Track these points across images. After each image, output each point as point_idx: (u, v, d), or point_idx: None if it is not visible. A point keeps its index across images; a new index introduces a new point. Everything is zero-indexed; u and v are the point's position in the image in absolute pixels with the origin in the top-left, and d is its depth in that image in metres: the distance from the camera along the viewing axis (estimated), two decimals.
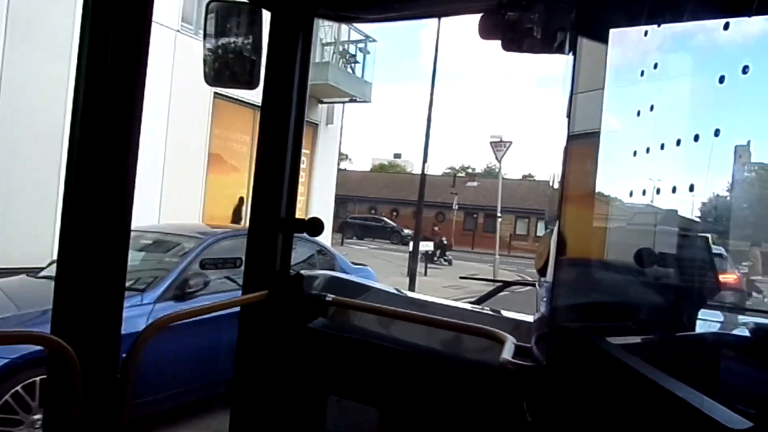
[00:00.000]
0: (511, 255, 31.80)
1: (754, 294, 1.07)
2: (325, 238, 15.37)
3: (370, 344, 1.91)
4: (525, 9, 1.60)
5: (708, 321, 1.17)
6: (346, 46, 16.31)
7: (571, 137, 1.24)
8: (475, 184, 42.37)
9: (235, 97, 12.54)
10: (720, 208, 0.94)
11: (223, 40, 1.83)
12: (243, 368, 1.99)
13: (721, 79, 0.80)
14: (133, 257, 4.63)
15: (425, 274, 18.01)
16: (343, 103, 16.74)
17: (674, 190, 0.93)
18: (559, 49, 1.56)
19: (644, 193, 1.03)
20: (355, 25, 12.82)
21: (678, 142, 0.89)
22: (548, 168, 1.42)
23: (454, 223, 36.50)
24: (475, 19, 1.72)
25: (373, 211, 42.10)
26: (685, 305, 1.16)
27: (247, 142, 13.82)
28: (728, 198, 0.93)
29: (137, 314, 4.01)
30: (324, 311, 1.99)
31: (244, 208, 13.19)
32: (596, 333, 1.23)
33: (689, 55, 1.00)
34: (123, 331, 1.33)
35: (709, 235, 1.11)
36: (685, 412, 0.85)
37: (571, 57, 1.29)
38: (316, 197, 16.50)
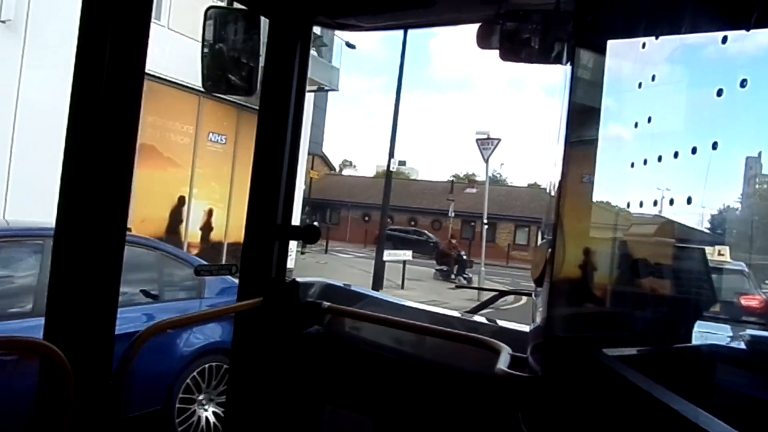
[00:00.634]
0: (510, 266, 30.50)
1: None
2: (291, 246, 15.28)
3: (366, 352, 1.90)
4: (523, 19, 1.61)
5: (704, 333, 1.16)
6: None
7: (568, 147, 1.24)
8: (474, 190, 40.74)
9: (174, 80, 10.89)
10: (731, 220, 0.94)
11: (222, 47, 1.83)
12: (238, 376, 1.98)
13: (719, 93, 0.80)
14: None
15: (402, 286, 16.26)
16: (312, 92, 14.21)
17: (672, 202, 0.93)
18: (557, 60, 1.57)
19: (641, 204, 1.03)
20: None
21: (675, 155, 0.88)
22: (547, 176, 1.42)
23: (450, 231, 34.90)
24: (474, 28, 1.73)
25: (412, 223, 39.96)
26: (681, 317, 1.15)
27: (190, 134, 12.23)
28: (738, 209, 0.93)
29: None
30: (320, 319, 1.98)
31: (185, 209, 12.18)
32: (592, 344, 1.22)
33: (687, 68, 1.00)
34: None
35: (706, 248, 1.11)
36: (680, 425, 0.85)
37: (568, 67, 1.29)
38: None
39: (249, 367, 1.95)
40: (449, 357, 1.78)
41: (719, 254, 1.08)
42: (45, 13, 8.79)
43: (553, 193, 1.28)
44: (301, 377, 1.98)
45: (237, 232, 13.14)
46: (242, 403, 1.96)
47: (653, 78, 1.00)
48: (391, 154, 15.60)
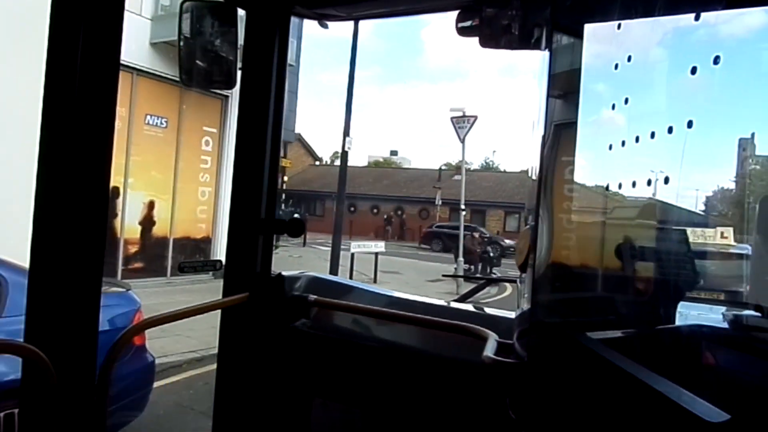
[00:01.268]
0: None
1: None
2: None
3: (353, 344, 1.90)
4: (502, 5, 1.60)
5: (686, 313, 1.17)
6: None
7: (548, 131, 1.23)
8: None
9: None
10: (724, 201, 0.93)
11: (199, 41, 1.80)
12: (225, 372, 1.97)
13: (693, 70, 0.80)
14: None
15: (375, 280, 14.57)
16: None
17: (649, 182, 0.93)
18: (536, 45, 1.56)
19: (620, 186, 1.03)
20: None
21: (653, 135, 0.88)
22: (527, 160, 1.42)
23: (438, 219, 33.94)
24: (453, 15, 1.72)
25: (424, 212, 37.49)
26: (664, 298, 1.16)
27: (122, 116, 10.68)
28: (730, 190, 0.92)
29: None
30: (306, 312, 1.97)
31: (118, 202, 10.91)
32: (577, 328, 1.23)
33: (662, 46, 1.00)
34: None
35: (687, 229, 1.11)
36: (664, 406, 0.85)
37: (547, 52, 1.29)
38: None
39: (236, 363, 1.94)
40: (437, 346, 1.78)
41: (722, 236, 1.07)
42: None
43: (534, 177, 1.28)
44: (288, 371, 1.97)
45: (185, 226, 12.41)
46: (230, 399, 1.95)
47: (629, 59, 1.00)
48: (346, 133, 14.34)
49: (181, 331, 6.96)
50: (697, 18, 0.81)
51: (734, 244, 0.98)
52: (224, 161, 12.68)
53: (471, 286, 2.85)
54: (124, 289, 4.41)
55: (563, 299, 1.32)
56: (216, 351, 1.98)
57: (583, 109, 1.19)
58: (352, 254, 13.52)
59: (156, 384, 4.77)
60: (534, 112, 1.35)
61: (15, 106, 7.57)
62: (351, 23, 2.11)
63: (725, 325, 1.17)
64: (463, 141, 17.32)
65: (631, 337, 1.19)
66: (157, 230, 12.21)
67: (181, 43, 1.80)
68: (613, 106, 1.05)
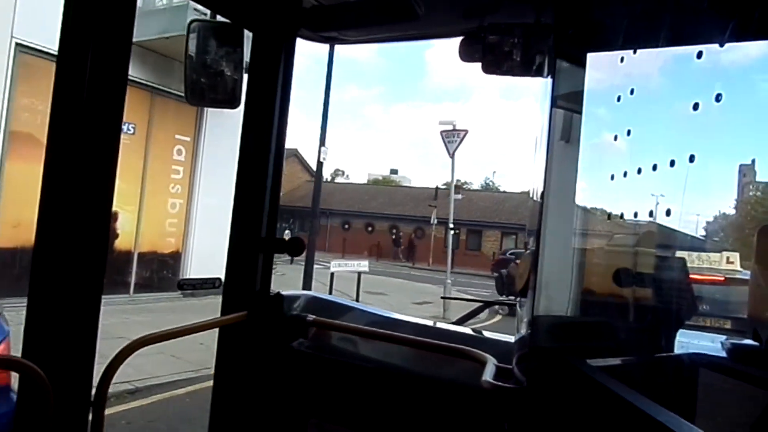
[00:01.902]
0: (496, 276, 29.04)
1: None
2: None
3: (351, 365, 1.89)
4: (505, 33, 1.63)
5: (686, 342, 1.17)
6: None
7: (550, 158, 1.25)
8: (459, 196, 39.25)
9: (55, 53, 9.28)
10: (726, 227, 0.94)
11: (205, 60, 1.83)
12: (222, 391, 1.95)
13: (695, 107, 0.81)
14: None
15: (357, 300, 12.61)
16: None
17: (651, 214, 0.94)
18: (538, 72, 1.59)
19: (622, 216, 1.04)
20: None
21: (654, 167, 0.90)
22: (528, 181, 1.44)
23: (433, 239, 33.12)
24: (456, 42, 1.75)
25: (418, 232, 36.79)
26: (664, 326, 1.16)
27: None
28: (731, 216, 0.93)
29: None
30: (305, 332, 1.96)
31: (117, 225, 10.44)
32: (576, 354, 1.23)
33: (664, 82, 1.02)
34: None
35: (686, 256, 1.12)
36: None
37: (549, 80, 1.31)
38: (206, 207, 11.81)
39: (233, 382, 1.93)
40: (435, 369, 1.78)
41: (728, 261, 1.06)
42: None
43: (536, 198, 1.29)
44: (285, 391, 1.96)
45: (152, 240, 11.71)
46: (226, 418, 1.94)
47: (632, 92, 1.02)
48: (322, 142, 13.75)
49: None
50: (699, 57, 0.83)
51: (740, 269, 0.98)
52: (198, 172, 11.95)
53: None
54: None
55: (563, 324, 1.32)
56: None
57: (585, 137, 1.21)
58: (332, 273, 12.73)
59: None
60: (535, 136, 1.37)
61: None
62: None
63: (724, 354, 1.17)
64: (452, 156, 16.73)
65: (631, 364, 1.19)
66: (120, 244, 11.28)
67: (188, 63, 1.82)
68: (616, 137, 1.07)
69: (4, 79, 8.72)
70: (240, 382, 1.92)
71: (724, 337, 1.27)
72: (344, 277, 13.58)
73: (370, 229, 39.09)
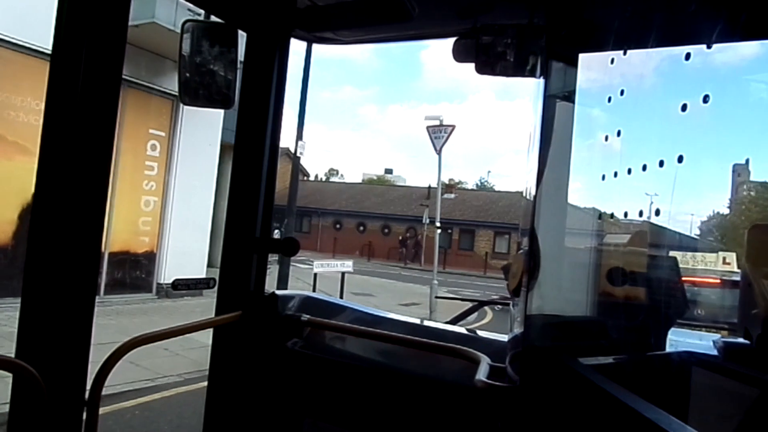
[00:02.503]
0: (488, 276, 27.97)
1: None
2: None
3: (346, 365, 1.90)
4: (498, 33, 1.64)
5: (677, 340, 1.19)
6: None
7: (543, 158, 1.26)
8: (452, 196, 37.66)
9: (21, 42, 8.43)
10: (720, 227, 0.95)
11: (199, 60, 1.83)
12: (216, 391, 1.95)
13: (684, 107, 0.83)
14: None
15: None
16: None
17: (641, 213, 0.95)
18: (531, 73, 1.60)
19: (612, 216, 1.06)
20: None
21: (644, 168, 0.91)
22: (523, 182, 1.44)
23: (425, 238, 31.18)
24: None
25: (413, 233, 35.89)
26: (656, 324, 1.18)
27: None
28: (725, 215, 0.94)
29: None
30: (299, 332, 1.97)
31: None
32: (569, 353, 1.24)
33: (654, 83, 1.03)
34: None
35: (679, 256, 1.13)
36: None
37: (542, 80, 1.32)
38: (182, 205, 11.46)
39: (227, 382, 1.93)
40: (429, 368, 1.79)
41: (724, 262, 1.05)
42: None
43: (529, 198, 1.30)
44: (280, 391, 1.96)
45: (124, 239, 11.13)
46: (221, 418, 1.94)
47: (622, 93, 1.03)
48: (299, 137, 13.05)
49: None
50: (687, 58, 0.84)
51: (737, 270, 0.97)
52: (173, 168, 11.34)
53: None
54: None
55: (556, 323, 1.33)
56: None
57: (577, 137, 1.22)
58: (315, 274, 12.39)
59: None
60: (529, 136, 1.38)
61: None
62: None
63: (715, 352, 1.19)
64: (439, 152, 15.88)
65: (623, 362, 1.20)
66: None
67: (182, 63, 1.82)
68: (606, 138, 1.08)
69: None
70: (234, 381, 1.92)
71: (716, 335, 1.28)
72: (333, 278, 13.33)
73: (362, 228, 38.52)
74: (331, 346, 2.00)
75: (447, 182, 41.79)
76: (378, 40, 2.06)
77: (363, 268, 24.39)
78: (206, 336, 1.99)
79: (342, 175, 60.20)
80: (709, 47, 0.82)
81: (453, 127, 15.96)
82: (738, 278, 1.01)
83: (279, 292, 2.01)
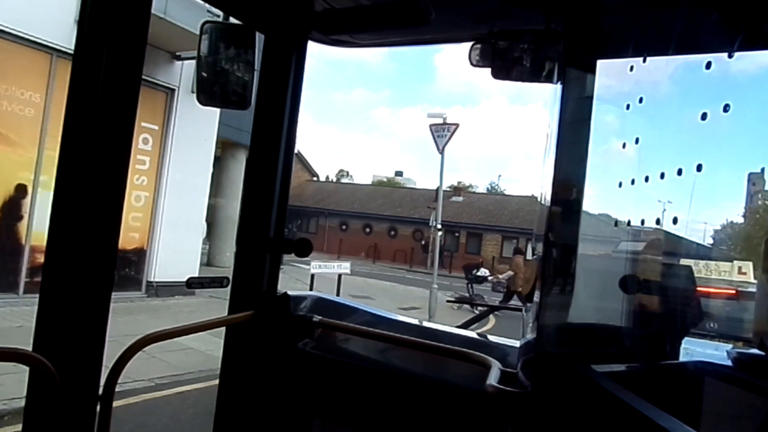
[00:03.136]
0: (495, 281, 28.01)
1: None
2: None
3: (357, 367, 1.90)
4: (515, 39, 1.64)
5: (691, 350, 1.18)
6: None
7: (559, 164, 1.26)
8: (460, 199, 37.91)
9: (12, 31, 8.38)
10: (735, 236, 0.94)
11: (217, 61, 1.84)
12: (227, 389, 1.97)
13: (704, 116, 0.83)
14: None
15: None
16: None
17: (658, 221, 0.95)
18: (548, 78, 1.60)
19: (629, 223, 1.05)
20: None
21: (662, 176, 0.91)
22: (538, 188, 1.45)
23: (431, 241, 32.65)
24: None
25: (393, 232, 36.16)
26: (669, 333, 1.17)
27: (36, 103, 9.06)
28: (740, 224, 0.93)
29: None
30: (310, 332, 1.97)
31: (25, 202, 9.15)
32: (581, 359, 1.24)
33: (673, 92, 1.03)
34: None
35: (696, 266, 1.12)
36: None
37: (559, 86, 1.32)
38: (175, 201, 11.06)
39: (239, 381, 1.94)
40: (440, 372, 1.79)
41: (740, 272, 1.03)
42: None
43: (543, 202, 1.30)
44: (290, 391, 1.97)
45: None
46: (232, 416, 1.95)
47: (641, 100, 1.03)
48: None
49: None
50: (708, 67, 0.84)
51: (753, 281, 0.96)
52: (166, 163, 10.93)
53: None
54: None
55: (568, 330, 1.33)
56: None
57: (594, 144, 1.22)
58: (312, 275, 12.28)
59: None
60: (544, 142, 1.38)
61: None
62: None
63: (729, 363, 1.18)
64: (442, 151, 15.36)
65: (636, 371, 1.20)
66: None
67: (200, 63, 1.84)
68: (624, 145, 1.08)
69: None
70: (245, 380, 1.93)
71: (730, 346, 1.27)
72: (333, 279, 13.23)
73: (368, 230, 38.19)
74: (342, 347, 2.00)
75: (456, 185, 41.61)
76: (394, 43, 2.07)
77: (367, 270, 24.25)
78: (191, 338, 1.95)
79: (352, 177, 60.16)
80: (730, 56, 0.82)
81: (457, 125, 15.53)
82: (754, 289, 0.99)
83: (291, 293, 2.02)
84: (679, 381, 1.12)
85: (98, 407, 1.35)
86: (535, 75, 1.65)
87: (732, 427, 0.99)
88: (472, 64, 1.76)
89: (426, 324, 2.11)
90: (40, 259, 9.34)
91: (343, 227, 38.55)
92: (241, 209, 1.97)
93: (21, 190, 9.13)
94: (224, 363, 1.97)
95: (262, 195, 1.92)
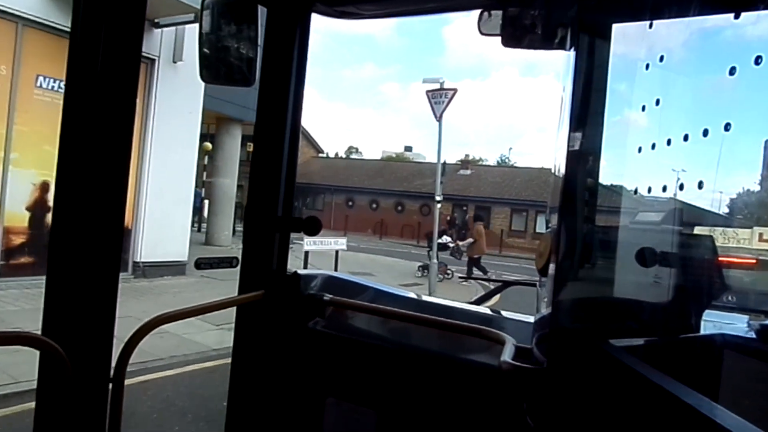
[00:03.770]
0: (504, 255, 27.05)
1: None
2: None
3: (368, 345, 1.89)
4: (525, 4, 1.58)
5: (713, 322, 1.15)
6: None
7: (573, 132, 1.22)
8: (468, 172, 37.12)
9: None
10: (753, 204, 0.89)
11: (220, 37, 1.80)
12: (239, 369, 1.97)
13: (732, 71, 0.77)
14: None
15: None
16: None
17: (681, 187, 0.91)
18: (561, 45, 1.54)
19: (650, 190, 1.01)
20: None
21: (686, 138, 0.86)
22: (552, 159, 1.40)
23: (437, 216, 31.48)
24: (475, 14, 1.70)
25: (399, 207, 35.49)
26: (689, 306, 1.14)
27: (3, 75, 8.66)
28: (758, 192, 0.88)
29: None
30: (321, 311, 1.96)
31: (48, 197, 8.93)
32: (598, 334, 1.21)
33: (697, 46, 0.97)
34: None
35: (713, 234, 1.08)
36: (690, 417, 0.83)
37: (572, 52, 1.27)
38: (159, 176, 10.65)
39: (251, 360, 1.94)
40: (453, 348, 1.77)
41: (761, 239, 0.99)
42: None
43: (558, 174, 1.26)
44: (302, 370, 1.97)
45: None
46: (244, 396, 1.95)
47: (661, 59, 0.97)
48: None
49: None
50: (737, 17, 0.79)
51: None
52: (149, 137, 10.46)
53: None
54: None
55: (585, 304, 1.30)
56: None
57: (610, 110, 1.17)
58: (306, 252, 11.77)
59: None
60: (557, 112, 1.33)
61: None
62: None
63: (752, 335, 1.14)
64: (439, 119, 14.40)
65: (655, 344, 1.16)
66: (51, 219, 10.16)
67: (202, 39, 1.79)
68: (643, 108, 1.03)
69: None
70: (257, 360, 1.93)
71: (751, 317, 1.23)
72: (332, 255, 12.97)
73: (374, 206, 37.53)
74: (353, 325, 1.99)
75: (463, 158, 41.07)
76: (401, 13, 2.01)
77: (372, 247, 24.32)
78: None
79: (361, 153, 59.84)
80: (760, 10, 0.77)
81: (455, 90, 14.57)
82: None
83: (301, 272, 2.01)
84: (700, 354, 1.09)
85: (110, 388, 1.35)
86: (546, 42, 1.58)
87: (753, 399, 0.96)
88: (481, 32, 1.70)
89: (438, 300, 2.09)
90: (15, 240, 9.27)
91: (350, 203, 38.19)
92: (249, 188, 1.95)
93: None
94: (236, 343, 1.96)
95: (270, 173, 1.90)
